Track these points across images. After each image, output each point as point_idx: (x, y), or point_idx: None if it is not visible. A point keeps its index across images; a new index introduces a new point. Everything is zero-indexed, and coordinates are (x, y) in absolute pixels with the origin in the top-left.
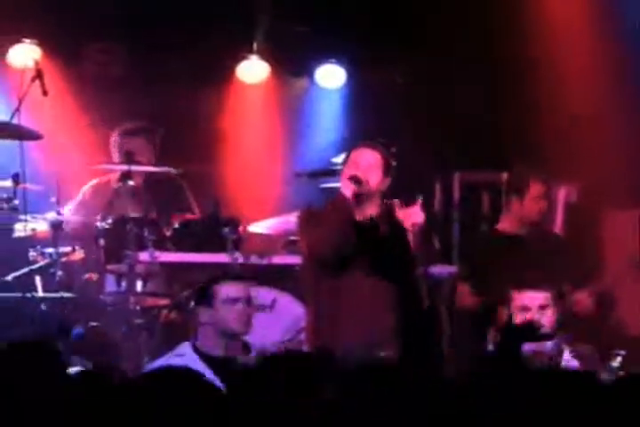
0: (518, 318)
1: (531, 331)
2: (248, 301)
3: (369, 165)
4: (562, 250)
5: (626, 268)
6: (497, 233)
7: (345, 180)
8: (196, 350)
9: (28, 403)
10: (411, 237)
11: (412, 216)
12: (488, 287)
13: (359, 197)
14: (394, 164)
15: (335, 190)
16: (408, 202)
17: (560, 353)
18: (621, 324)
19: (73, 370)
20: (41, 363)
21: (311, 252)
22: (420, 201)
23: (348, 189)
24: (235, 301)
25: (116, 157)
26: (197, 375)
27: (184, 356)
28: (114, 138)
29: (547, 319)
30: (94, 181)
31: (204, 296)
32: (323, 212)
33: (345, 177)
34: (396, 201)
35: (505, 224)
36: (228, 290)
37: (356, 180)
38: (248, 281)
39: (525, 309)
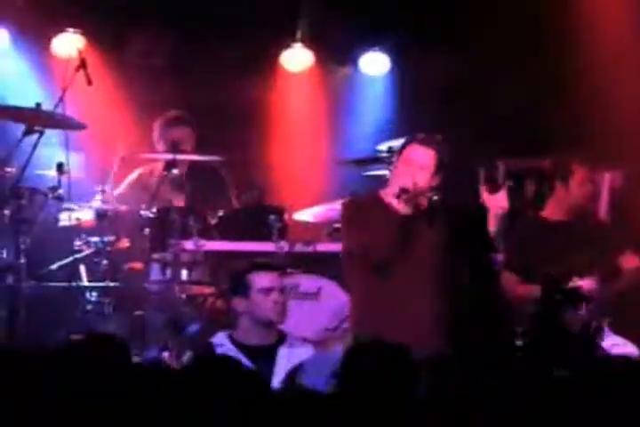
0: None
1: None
2: (282, 290)
3: (422, 164)
4: (606, 237)
5: None
6: (542, 220)
7: (394, 187)
8: (232, 339)
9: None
10: (494, 221)
11: (498, 200)
12: (533, 275)
13: (406, 197)
14: (446, 161)
15: (380, 178)
16: (452, 190)
17: (596, 321)
18: None
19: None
20: (109, 356)
21: (366, 252)
22: (507, 185)
23: (396, 199)
24: (269, 290)
25: (160, 146)
26: (238, 364)
27: (222, 346)
28: (157, 127)
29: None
30: (139, 171)
31: (240, 286)
32: (372, 202)
33: (399, 177)
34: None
35: (550, 211)
36: (262, 280)
37: (404, 191)
38: (282, 270)
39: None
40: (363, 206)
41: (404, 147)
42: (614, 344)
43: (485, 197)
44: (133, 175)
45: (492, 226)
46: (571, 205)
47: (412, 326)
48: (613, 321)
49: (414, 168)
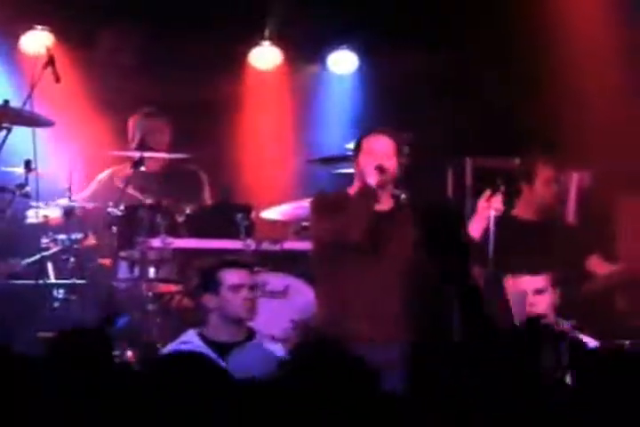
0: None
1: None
2: (252, 287)
3: (385, 152)
4: (573, 238)
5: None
6: (511, 218)
7: (369, 168)
8: (202, 336)
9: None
10: (486, 222)
11: (494, 203)
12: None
13: (381, 186)
14: (407, 150)
15: (348, 176)
16: (421, 188)
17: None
18: (628, 312)
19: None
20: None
21: (338, 235)
22: (502, 189)
23: (372, 178)
24: (239, 287)
25: (136, 139)
26: (207, 360)
27: (191, 343)
28: (134, 120)
29: (543, 304)
30: (109, 170)
31: (210, 283)
32: (341, 197)
33: (366, 165)
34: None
35: (519, 210)
36: (232, 277)
37: (381, 169)
38: (252, 267)
39: (540, 291)
40: (332, 200)
41: (360, 140)
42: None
43: (485, 199)
44: (104, 174)
45: (482, 228)
46: (538, 205)
47: (378, 322)
48: (579, 323)
49: (379, 157)
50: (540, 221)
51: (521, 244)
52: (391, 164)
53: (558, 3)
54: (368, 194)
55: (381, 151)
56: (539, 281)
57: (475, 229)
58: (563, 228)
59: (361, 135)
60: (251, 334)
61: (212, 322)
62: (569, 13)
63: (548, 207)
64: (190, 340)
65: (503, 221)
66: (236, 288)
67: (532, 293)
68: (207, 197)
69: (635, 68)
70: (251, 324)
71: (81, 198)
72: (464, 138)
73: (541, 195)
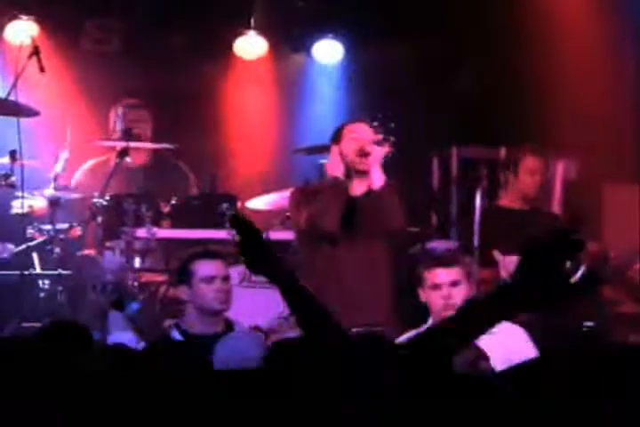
0: (433, 298)
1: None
2: (225, 278)
3: (367, 138)
4: (556, 226)
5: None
6: (496, 207)
7: (352, 154)
8: (178, 327)
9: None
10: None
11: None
12: (486, 259)
13: (363, 171)
14: (391, 139)
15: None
16: (405, 178)
17: None
18: (614, 299)
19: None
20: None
21: (312, 223)
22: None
23: (357, 164)
24: (212, 279)
25: (115, 134)
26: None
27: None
28: (117, 110)
29: (459, 296)
30: (94, 161)
31: (183, 275)
32: (319, 188)
33: (349, 151)
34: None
35: (505, 200)
36: (204, 268)
37: (365, 153)
38: (224, 258)
39: (437, 287)
40: (312, 190)
41: (342, 128)
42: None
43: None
44: (88, 164)
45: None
46: (522, 194)
47: (354, 309)
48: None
49: (360, 142)
50: (525, 210)
51: (507, 233)
52: (374, 149)
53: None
54: (340, 182)
55: (364, 137)
56: (454, 273)
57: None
58: (547, 216)
59: (342, 124)
60: (229, 326)
61: (187, 314)
62: (551, 3)
63: (532, 196)
64: (167, 331)
65: (489, 211)
66: (208, 280)
67: (446, 285)
68: (194, 189)
69: (618, 55)
70: (234, 314)
71: (68, 186)
72: (449, 127)
73: (524, 184)
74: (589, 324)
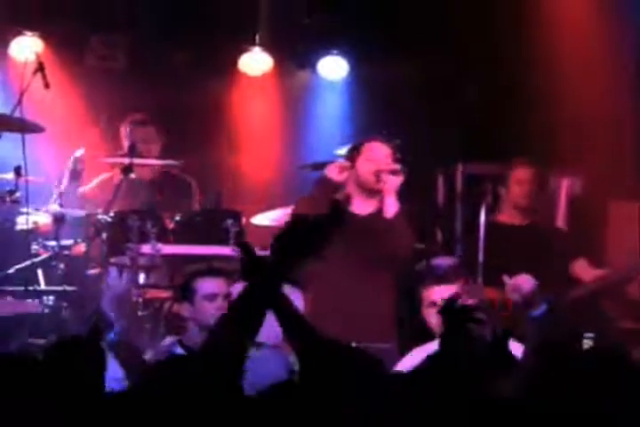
0: (429, 316)
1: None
2: (227, 295)
3: (385, 160)
4: (561, 244)
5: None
6: (494, 223)
7: (368, 174)
8: (181, 344)
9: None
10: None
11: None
12: (488, 275)
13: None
14: (405, 169)
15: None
16: (410, 195)
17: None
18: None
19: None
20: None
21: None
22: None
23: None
24: (213, 296)
25: (126, 147)
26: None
27: (170, 352)
28: (124, 128)
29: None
30: (101, 177)
31: (185, 292)
32: (322, 202)
33: (364, 171)
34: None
35: (502, 215)
36: (206, 286)
37: (379, 177)
38: (227, 275)
39: (433, 304)
40: (316, 204)
41: (361, 145)
42: None
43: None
44: (94, 181)
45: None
46: (513, 204)
47: (351, 324)
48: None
49: (377, 162)
50: (523, 225)
51: (501, 249)
52: (389, 178)
53: (546, 13)
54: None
55: (381, 159)
56: (449, 290)
57: None
58: (546, 231)
59: (359, 141)
60: None
61: (189, 330)
62: (555, 18)
63: (523, 206)
64: (170, 347)
65: (487, 227)
66: (210, 297)
67: (426, 305)
68: (196, 205)
69: (621, 71)
70: None
71: (77, 196)
72: (454, 143)
73: (514, 194)
74: (589, 335)
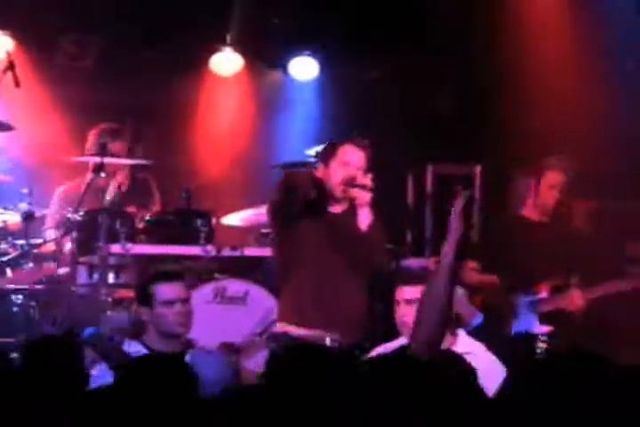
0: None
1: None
2: (185, 300)
3: (359, 165)
4: (578, 242)
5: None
6: (520, 218)
7: (337, 180)
8: (144, 345)
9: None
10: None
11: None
12: (495, 266)
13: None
14: (373, 188)
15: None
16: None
17: None
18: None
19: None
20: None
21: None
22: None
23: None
24: (171, 302)
25: (92, 151)
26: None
27: (139, 352)
28: (93, 136)
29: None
30: (62, 188)
31: (144, 297)
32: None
33: (336, 176)
34: None
35: (528, 211)
36: (164, 291)
37: (350, 184)
38: (186, 280)
39: (397, 304)
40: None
41: (335, 147)
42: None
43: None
44: (59, 192)
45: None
46: (543, 207)
47: (331, 321)
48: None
49: (351, 168)
50: (545, 222)
51: (528, 244)
52: (360, 193)
53: (517, 14)
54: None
55: (356, 164)
56: (413, 292)
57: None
58: (566, 230)
59: (333, 143)
60: (189, 346)
61: (149, 333)
62: (531, 20)
63: (552, 209)
64: (136, 349)
65: (513, 220)
66: (168, 303)
67: (403, 302)
68: (157, 204)
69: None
70: (206, 331)
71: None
72: (424, 144)
73: (544, 197)
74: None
